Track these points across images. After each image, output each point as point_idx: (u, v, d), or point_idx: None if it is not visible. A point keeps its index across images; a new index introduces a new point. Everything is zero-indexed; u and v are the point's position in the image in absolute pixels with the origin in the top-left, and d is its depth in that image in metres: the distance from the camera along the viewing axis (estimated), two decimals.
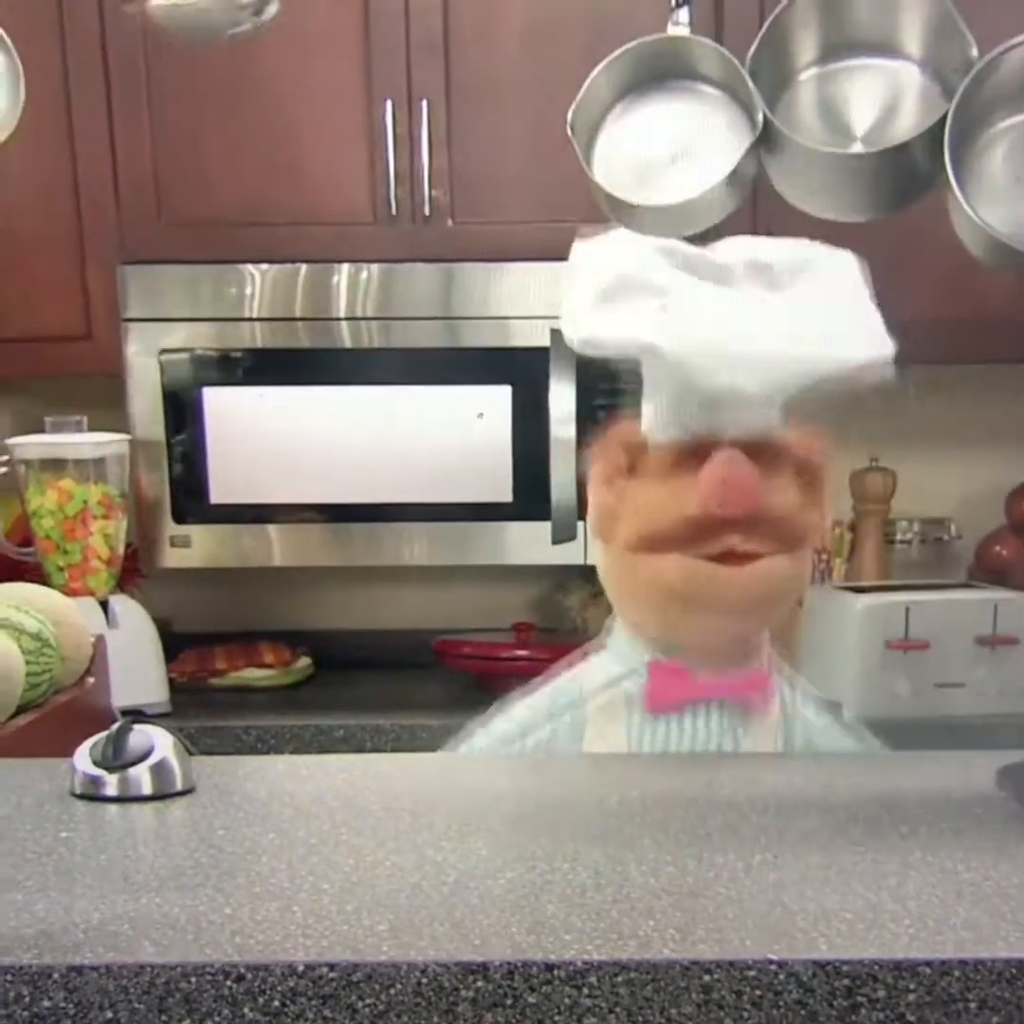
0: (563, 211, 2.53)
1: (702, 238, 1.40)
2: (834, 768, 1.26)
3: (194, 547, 2.73)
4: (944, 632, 2.47)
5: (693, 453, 1.42)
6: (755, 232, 1.53)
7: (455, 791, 1.21)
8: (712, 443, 1.42)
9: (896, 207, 1.20)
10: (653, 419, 1.47)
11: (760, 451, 1.42)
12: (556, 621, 2.92)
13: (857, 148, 1.17)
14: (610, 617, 1.59)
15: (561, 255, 2.55)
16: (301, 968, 0.80)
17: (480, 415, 2.68)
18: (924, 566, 3.00)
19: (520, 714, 1.57)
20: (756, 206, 1.38)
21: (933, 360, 2.25)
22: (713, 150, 1.21)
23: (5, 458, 2.60)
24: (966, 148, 1.12)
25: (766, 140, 1.18)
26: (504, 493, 2.69)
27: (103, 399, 2.65)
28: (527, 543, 2.69)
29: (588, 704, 1.54)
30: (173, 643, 2.76)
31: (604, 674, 1.56)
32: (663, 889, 0.91)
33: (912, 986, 0.78)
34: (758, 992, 0.78)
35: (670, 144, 1.26)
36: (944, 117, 1.10)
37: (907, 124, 1.16)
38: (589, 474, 1.55)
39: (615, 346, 1.46)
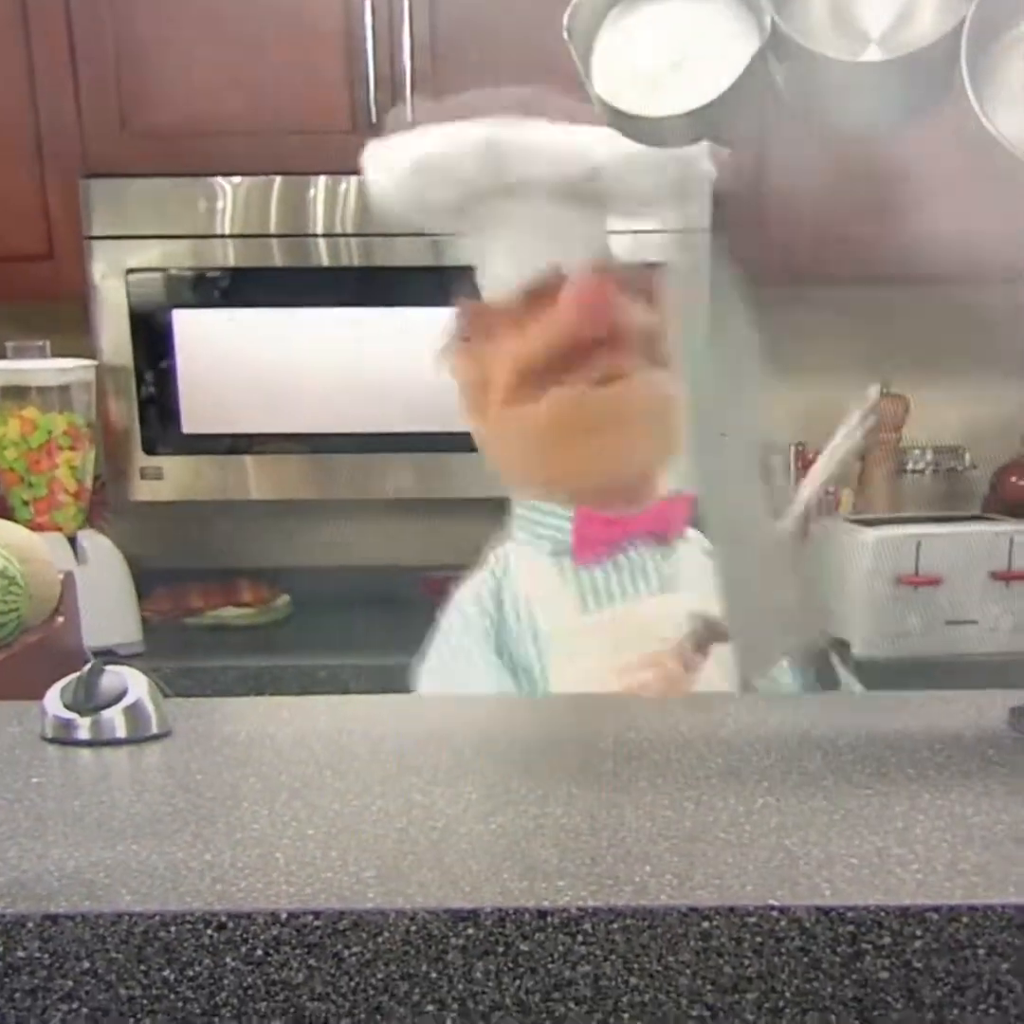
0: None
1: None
2: (841, 708, 1.27)
3: (166, 479, 2.74)
4: (957, 567, 2.49)
5: (541, 295, 1.49)
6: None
7: (444, 732, 1.22)
8: (557, 279, 1.49)
9: (909, 119, 1.20)
10: (493, 278, 1.57)
11: (610, 275, 1.51)
12: None
13: (872, 54, 1.16)
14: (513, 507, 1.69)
15: None
16: (285, 916, 0.81)
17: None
18: (937, 497, 3.03)
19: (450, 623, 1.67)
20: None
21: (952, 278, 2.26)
22: (717, 57, 1.21)
23: None
24: (982, 54, 1.12)
25: (774, 46, 1.17)
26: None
27: (67, 323, 2.65)
28: None
29: (515, 585, 1.64)
30: (145, 580, 2.78)
31: (523, 553, 1.66)
32: (660, 833, 0.93)
33: (918, 932, 0.79)
34: (759, 939, 0.80)
35: (671, 50, 1.25)
36: (963, 20, 1.09)
37: (924, 28, 1.15)
38: (448, 363, 1.65)
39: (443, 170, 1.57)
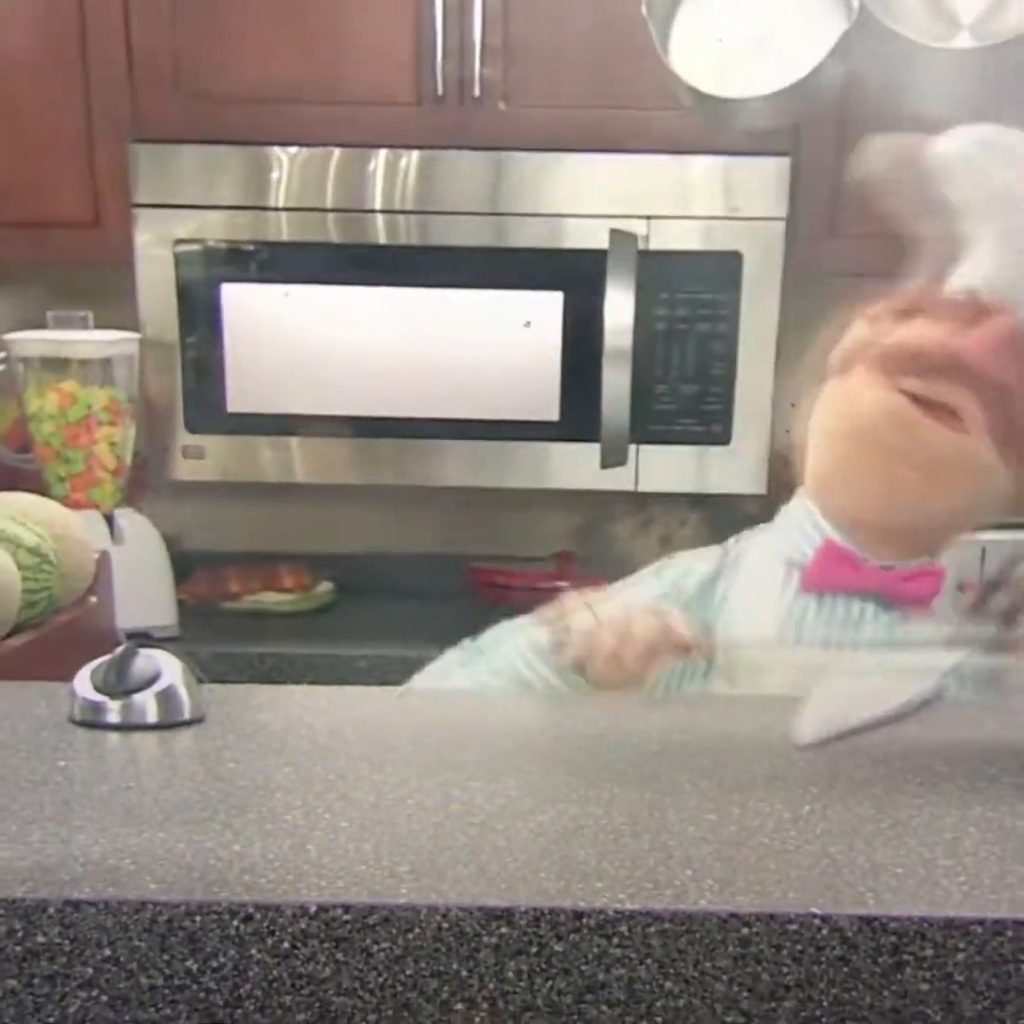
0: (628, 97, 2.53)
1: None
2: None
3: (208, 459, 2.76)
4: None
5: (979, 311, 1.43)
6: None
7: (485, 728, 1.24)
8: (1006, 309, 1.42)
9: (998, 110, 1.19)
10: (962, 270, 1.47)
11: None
12: (601, 551, 2.95)
13: (963, 41, 1.16)
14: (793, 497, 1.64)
15: (623, 145, 2.57)
16: (314, 909, 0.83)
17: (527, 324, 2.69)
18: None
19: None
20: None
21: None
22: (802, 38, 1.21)
23: (2, 355, 2.62)
24: None
25: (860, 28, 1.17)
26: (550, 411, 2.71)
27: (111, 293, 2.67)
28: (573, 466, 2.71)
29: (739, 570, 1.60)
30: (183, 562, 2.80)
31: (770, 540, 1.62)
32: (703, 837, 0.94)
33: (961, 945, 0.80)
34: (799, 947, 0.81)
35: (754, 30, 1.25)
36: None
37: (1018, 16, 1.15)
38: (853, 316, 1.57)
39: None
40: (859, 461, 1.51)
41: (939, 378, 1.44)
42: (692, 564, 1.65)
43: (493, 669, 1.55)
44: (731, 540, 1.68)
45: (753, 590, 1.59)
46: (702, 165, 2.62)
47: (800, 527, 1.60)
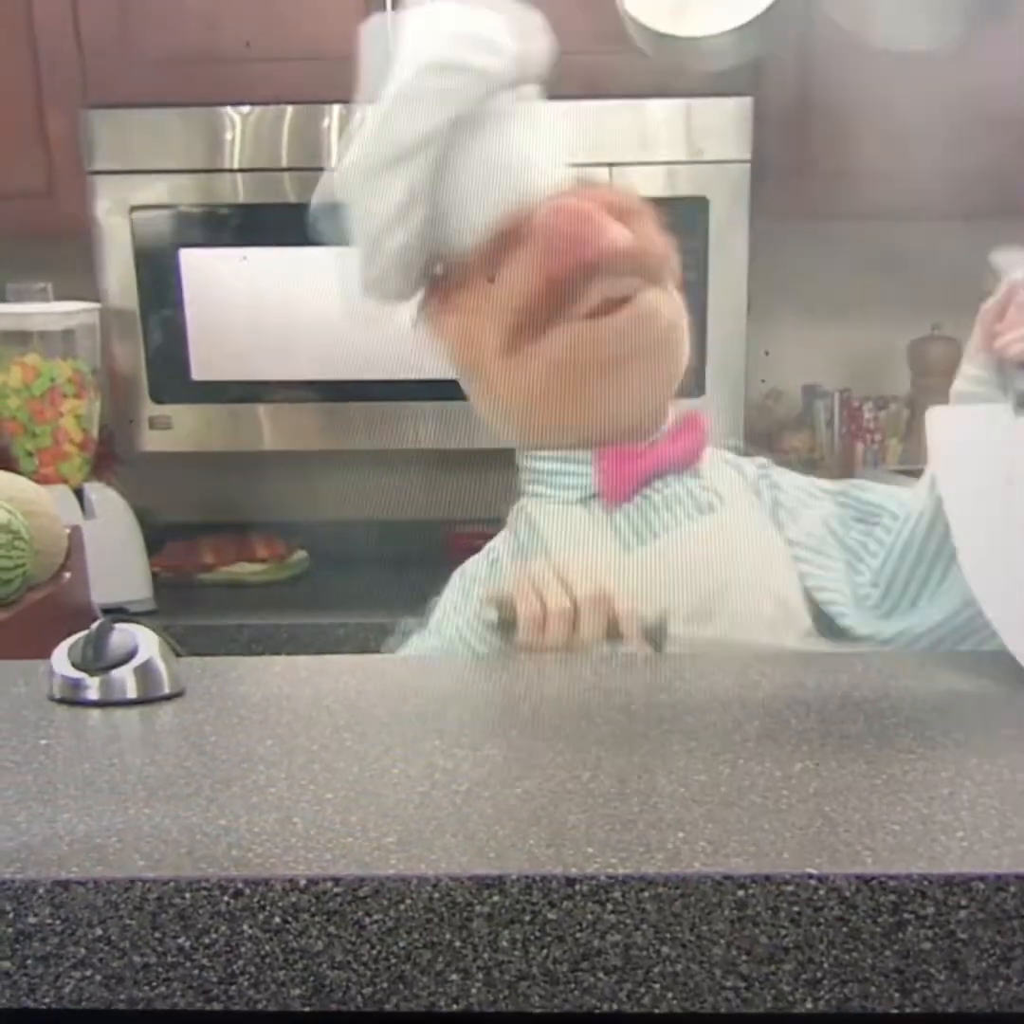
0: (585, 40, 2.51)
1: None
2: (885, 668, 1.28)
3: (175, 429, 2.75)
4: None
5: (512, 233, 1.49)
6: None
7: (468, 695, 1.24)
8: (526, 212, 1.48)
9: (963, 33, 1.19)
10: (457, 226, 1.53)
11: (585, 195, 1.50)
12: None
13: None
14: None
15: (587, 92, 2.56)
16: (303, 883, 0.83)
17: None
18: None
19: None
20: None
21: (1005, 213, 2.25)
22: None
23: None
24: None
25: None
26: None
27: (69, 264, 2.65)
28: None
29: (540, 532, 1.63)
30: (155, 535, 2.79)
31: (546, 507, 1.64)
32: (694, 799, 0.94)
33: (963, 902, 0.81)
34: (796, 908, 0.81)
35: None
36: None
37: None
38: (428, 326, 1.63)
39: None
40: (575, 394, 1.54)
41: (574, 291, 1.48)
42: (495, 549, 1.70)
43: (444, 642, 1.57)
44: (508, 518, 1.72)
45: (573, 542, 1.61)
46: (662, 108, 2.61)
47: (560, 470, 1.64)
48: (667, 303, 1.54)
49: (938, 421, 1.40)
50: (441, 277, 1.60)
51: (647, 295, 1.52)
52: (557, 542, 1.62)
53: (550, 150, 1.55)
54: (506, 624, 1.41)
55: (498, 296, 1.53)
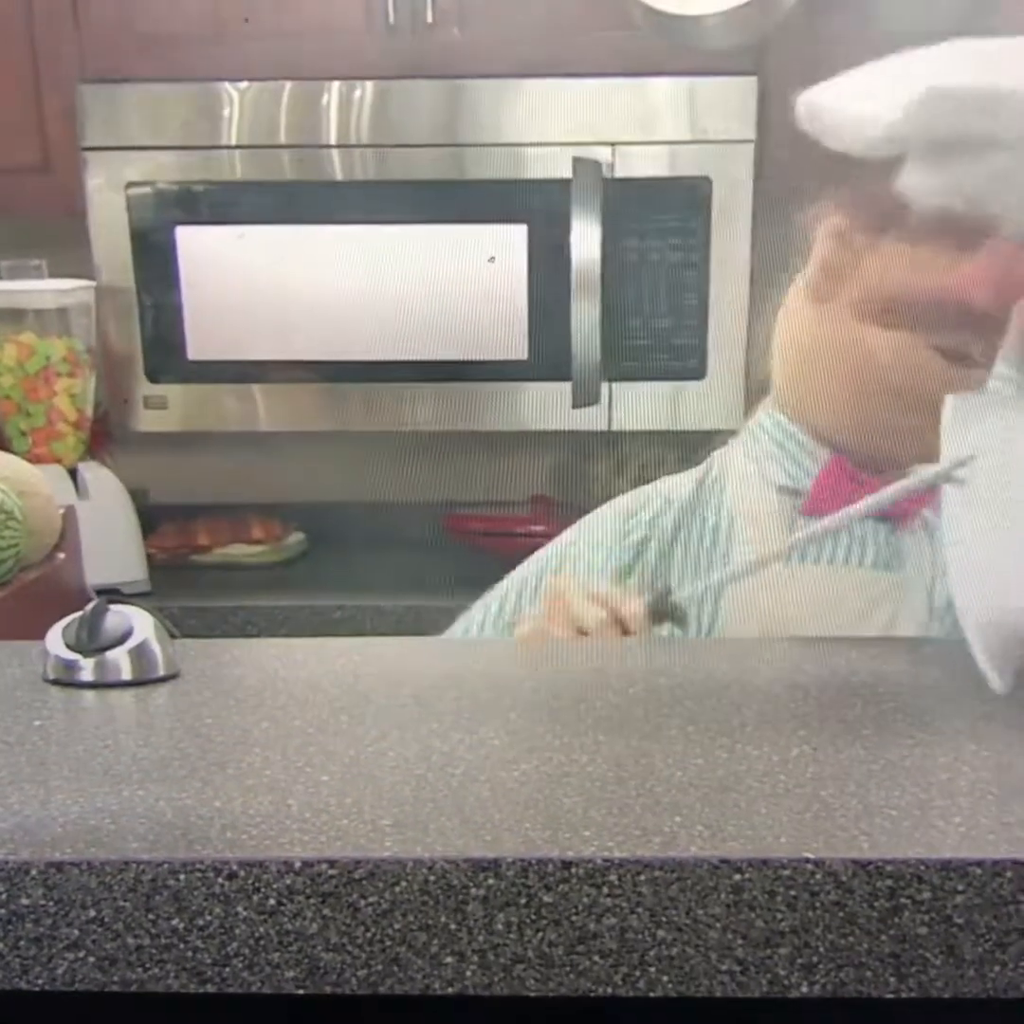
0: (588, 20, 2.52)
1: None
2: (883, 654, 1.28)
3: (171, 409, 2.75)
4: None
5: (957, 232, 1.41)
6: None
7: (465, 677, 1.24)
8: (985, 229, 1.39)
9: (969, 21, 1.19)
10: (921, 179, 1.39)
11: None
12: (577, 494, 2.94)
13: None
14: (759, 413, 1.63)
15: (584, 70, 2.56)
16: (298, 865, 0.83)
17: (491, 259, 2.68)
18: None
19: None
20: None
21: None
22: None
23: None
24: None
25: None
26: (519, 350, 2.70)
27: (64, 241, 2.65)
28: (545, 406, 2.71)
29: (723, 501, 1.60)
30: (150, 515, 2.80)
31: (746, 473, 1.61)
32: (691, 783, 0.95)
33: (960, 887, 0.81)
34: (792, 892, 0.82)
35: None
36: None
37: None
38: (816, 227, 1.56)
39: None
40: (867, 405, 1.51)
41: (951, 325, 1.43)
42: (667, 495, 1.64)
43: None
44: (701, 467, 1.66)
45: (748, 527, 1.58)
46: (665, 87, 2.61)
47: (786, 450, 1.59)
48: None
49: (959, 411, 1.38)
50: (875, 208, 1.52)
51: (986, 373, 1.46)
52: (737, 507, 1.60)
53: None
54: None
55: (896, 263, 1.48)
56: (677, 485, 1.65)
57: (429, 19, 2.60)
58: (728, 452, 1.66)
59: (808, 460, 1.58)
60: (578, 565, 1.61)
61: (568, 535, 1.66)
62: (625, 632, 1.39)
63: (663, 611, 1.41)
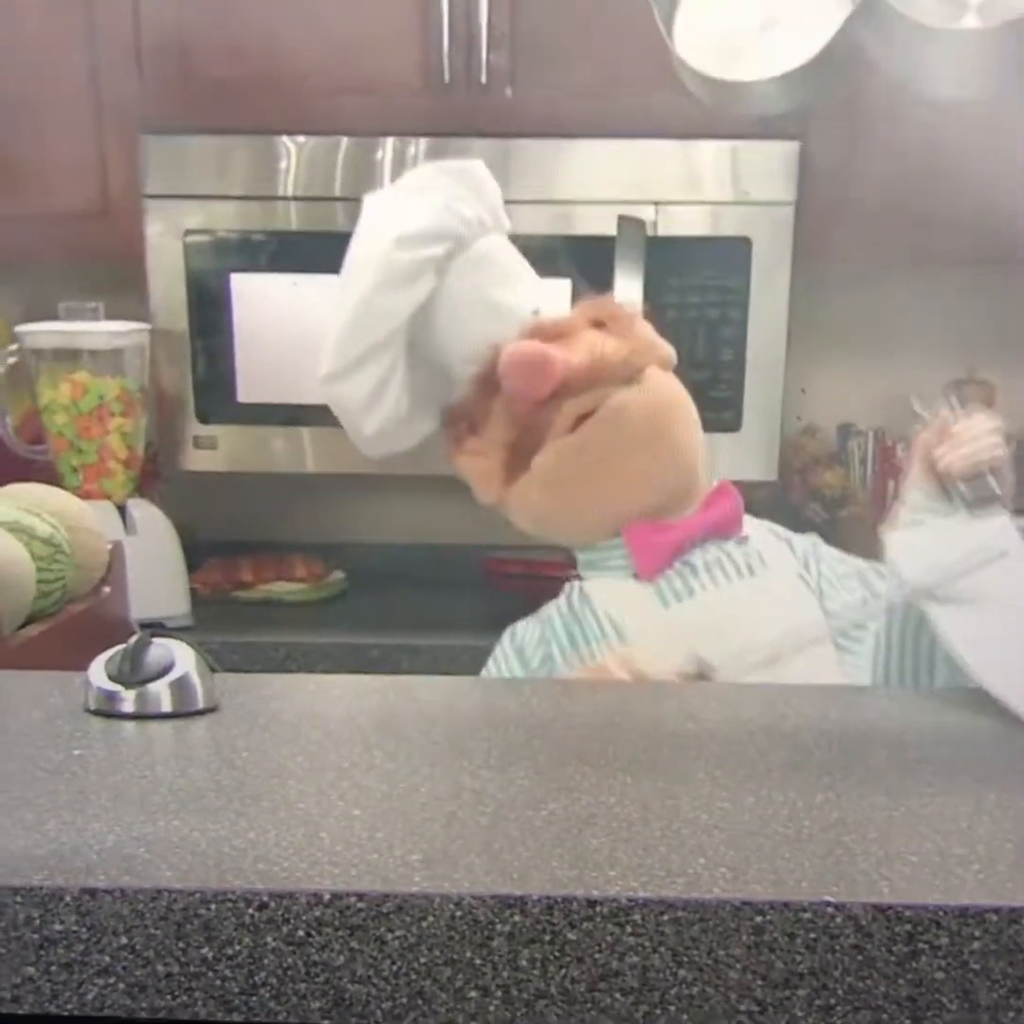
0: (634, 81, 2.53)
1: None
2: (908, 703, 1.28)
3: (219, 449, 2.76)
4: None
5: (490, 376, 1.64)
6: None
7: (497, 717, 1.24)
8: (495, 356, 1.62)
9: (1007, 91, 1.19)
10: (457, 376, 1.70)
11: (544, 330, 1.65)
12: None
13: (970, 21, 1.15)
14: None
15: (633, 131, 2.56)
16: (328, 897, 0.83)
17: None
18: None
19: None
20: None
21: None
22: (807, 21, 1.20)
23: (14, 347, 2.63)
24: None
25: (867, 10, 1.16)
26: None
27: (121, 284, 2.67)
28: None
29: (590, 594, 1.71)
30: (196, 552, 2.80)
31: (599, 582, 1.72)
32: (716, 826, 0.94)
33: (977, 933, 0.81)
34: (813, 935, 0.81)
35: (760, 12, 1.25)
36: None
37: None
38: (456, 465, 1.78)
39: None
40: (591, 493, 1.68)
41: (556, 415, 1.63)
42: (546, 612, 1.77)
43: None
44: (564, 588, 1.78)
45: (616, 599, 1.70)
46: (710, 150, 2.61)
47: (598, 561, 1.74)
48: (640, 396, 1.61)
49: (899, 542, 1.50)
50: (449, 422, 1.75)
51: (613, 398, 1.62)
52: (604, 606, 1.69)
53: (516, 292, 1.73)
54: None
55: (487, 440, 1.68)
56: (552, 606, 1.77)
57: (483, 79, 2.62)
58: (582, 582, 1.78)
59: (619, 550, 1.71)
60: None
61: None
62: None
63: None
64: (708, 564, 1.67)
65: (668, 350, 1.73)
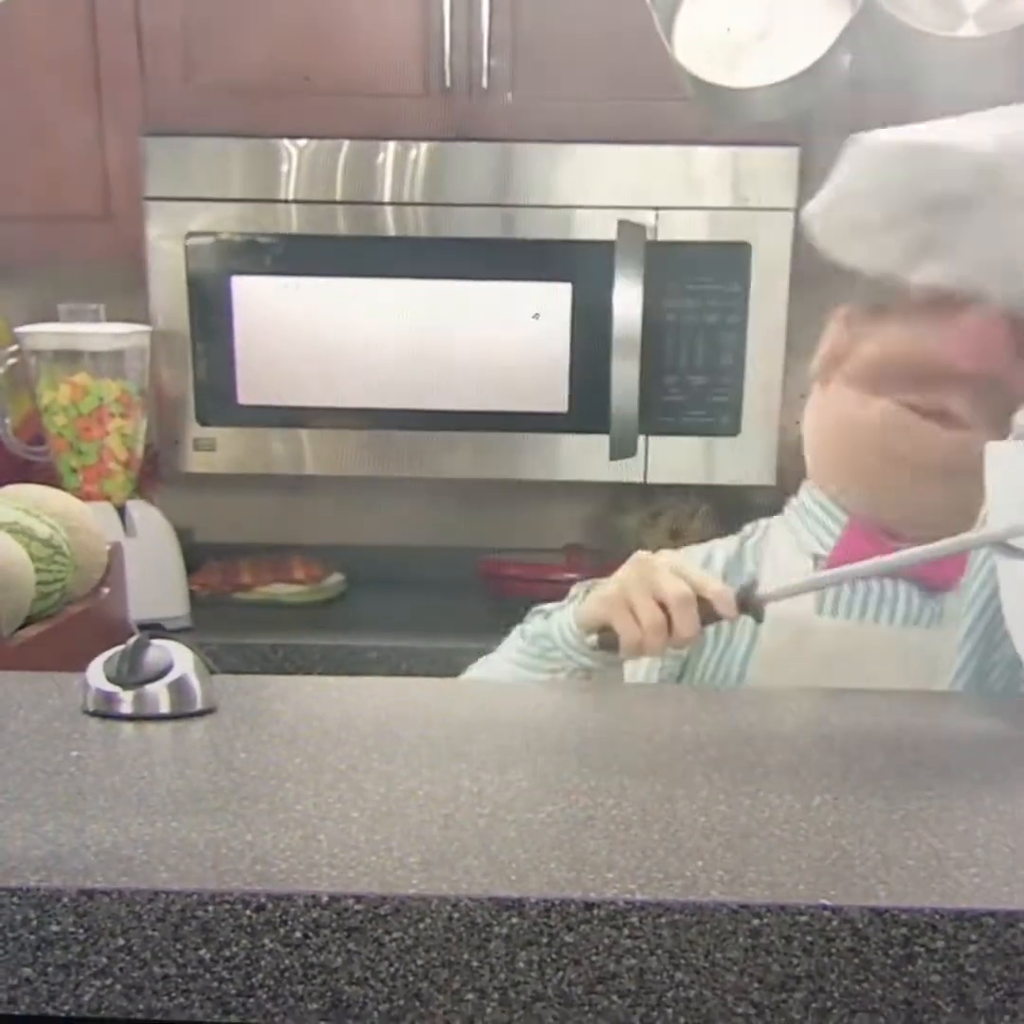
0: (636, 87, 2.53)
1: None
2: (907, 707, 1.28)
3: (219, 451, 2.76)
4: None
5: (948, 305, 1.46)
6: None
7: (496, 719, 1.24)
8: (973, 299, 1.45)
9: (1010, 94, 1.19)
10: (923, 270, 1.47)
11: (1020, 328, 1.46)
12: (611, 543, 2.94)
13: (968, 29, 1.16)
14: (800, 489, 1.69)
15: (631, 137, 2.57)
16: (325, 899, 0.83)
17: (536, 315, 2.68)
18: None
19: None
20: None
21: None
22: (806, 28, 1.20)
23: (15, 348, 2.63)
24: None
25: (866, 18, 1.17)
26: (559, 402, 2.71)
27: (122, 286, 2.67)
28: (582, 458, 2.71)
29: (763, 560, 1.64)
30: (195, 554, 2.80)
31: (787, 532, 1.65)
32: (713, 829, 0.94)
33: (974, 937, 0.80)
34: (809, 938, 0.81)
35: (760, 19, 1.25)
36: None
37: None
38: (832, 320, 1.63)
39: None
40: (865, 467, 1.56)
41: (932, 386, 1.49)
42: (711, 550, 1.68)
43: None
44: (746, 528, 1.71)
45: (783, 583, 1.58)
46: (710, 155, 2.62)
47: (816, 518, 1.64)
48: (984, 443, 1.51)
49: (996, 458, 1.38)
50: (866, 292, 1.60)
51: (979, 435, 1.42)
52: (768, 572, 1.62)
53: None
54: (608, 644, 1.42)
55: (884, 337, 1.55)
56: (725, 544, 1.68)
57: (484, 84, 2.62)
58: (773, 522, 1.70)
59: (835, 526, 1.61)
60: None
61: None
62: (706, 614, 1.37)
63: (746, 602, 1.39)
64: (883, 596, 1.58)
65: None
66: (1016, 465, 1.34)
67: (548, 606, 1.60)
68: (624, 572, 1.45)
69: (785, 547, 1.65)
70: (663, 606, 1.38)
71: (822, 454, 1.65)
